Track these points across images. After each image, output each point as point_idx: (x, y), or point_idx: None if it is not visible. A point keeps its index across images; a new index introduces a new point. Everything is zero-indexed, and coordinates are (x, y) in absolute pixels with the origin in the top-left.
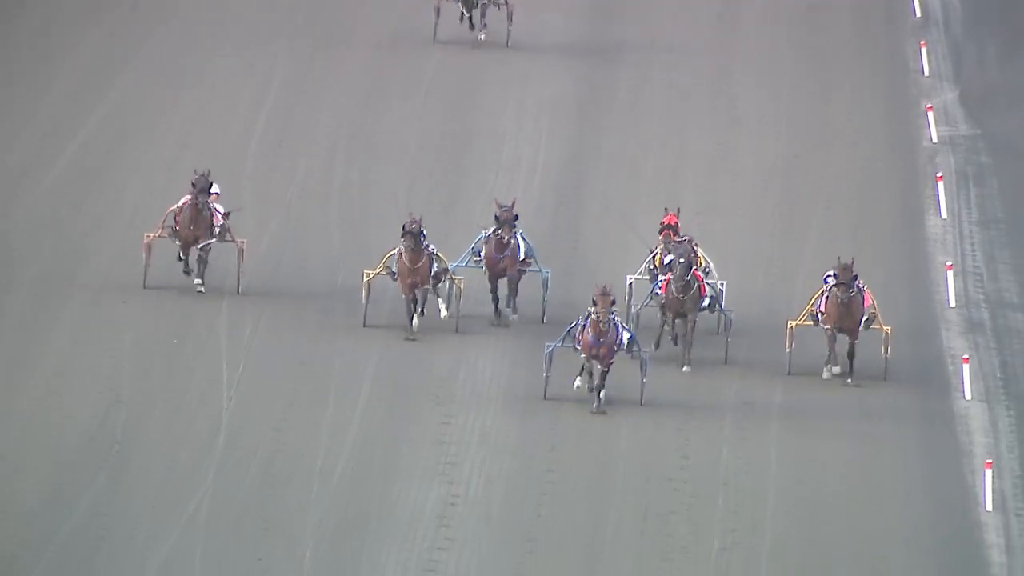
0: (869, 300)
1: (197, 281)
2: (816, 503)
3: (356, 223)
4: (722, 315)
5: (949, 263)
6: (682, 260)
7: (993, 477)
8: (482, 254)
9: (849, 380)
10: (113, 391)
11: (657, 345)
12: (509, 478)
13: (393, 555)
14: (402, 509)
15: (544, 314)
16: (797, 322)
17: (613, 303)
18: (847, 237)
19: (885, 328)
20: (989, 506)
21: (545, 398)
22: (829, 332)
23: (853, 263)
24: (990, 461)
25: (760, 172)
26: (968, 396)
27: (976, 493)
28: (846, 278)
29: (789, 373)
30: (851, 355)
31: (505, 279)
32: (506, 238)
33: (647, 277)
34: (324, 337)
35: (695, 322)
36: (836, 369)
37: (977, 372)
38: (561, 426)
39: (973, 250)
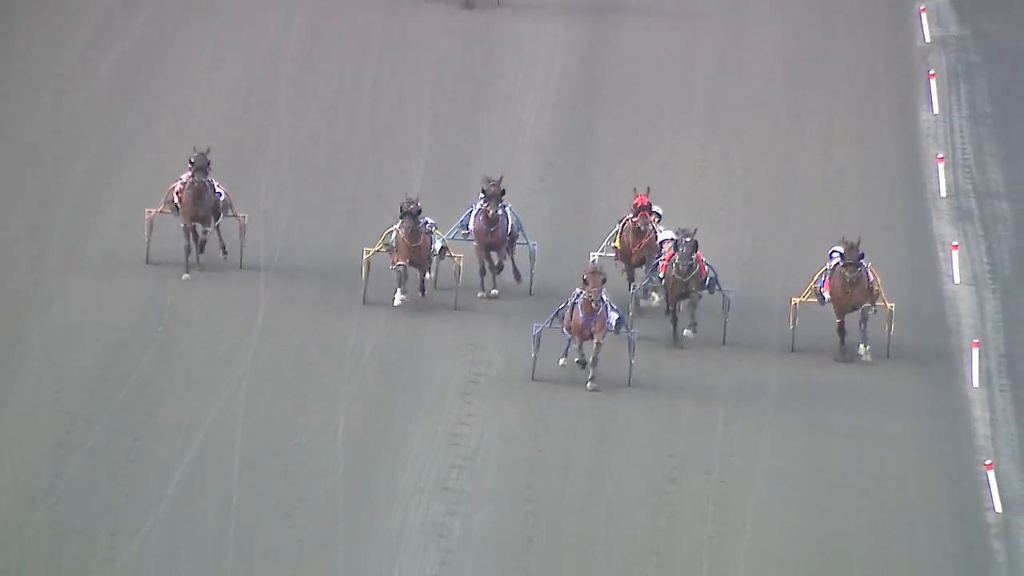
0: (873, 277)
1: (185, 276)
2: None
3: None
4: (721, 295)
5: (941, 155)
6: (688, 239)
7: (980, 355)
8: (471, 227)
9: (868, 357)
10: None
11: (667, 311)
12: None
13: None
14: (429, 384)
15: (531, 285)
16: (801, 299)
17: (604, 281)
18: (845, 131)
19: (889, 305)
20: (975, 382)
21: (533, 379)
22: (838, 321)
23: (859, 242)
24: (977, 340)
25: (764, 70)
26: (956, 280)
27: (963, 372)
28: (852, 257)
29: (793, 350)
30: (862, 328)
31: (494, 252)
32: (491, 212)
33: (611, 255)
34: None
35: (698, 299)
36: (841, 356)
37: (965, 257)
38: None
39: (963, 143)
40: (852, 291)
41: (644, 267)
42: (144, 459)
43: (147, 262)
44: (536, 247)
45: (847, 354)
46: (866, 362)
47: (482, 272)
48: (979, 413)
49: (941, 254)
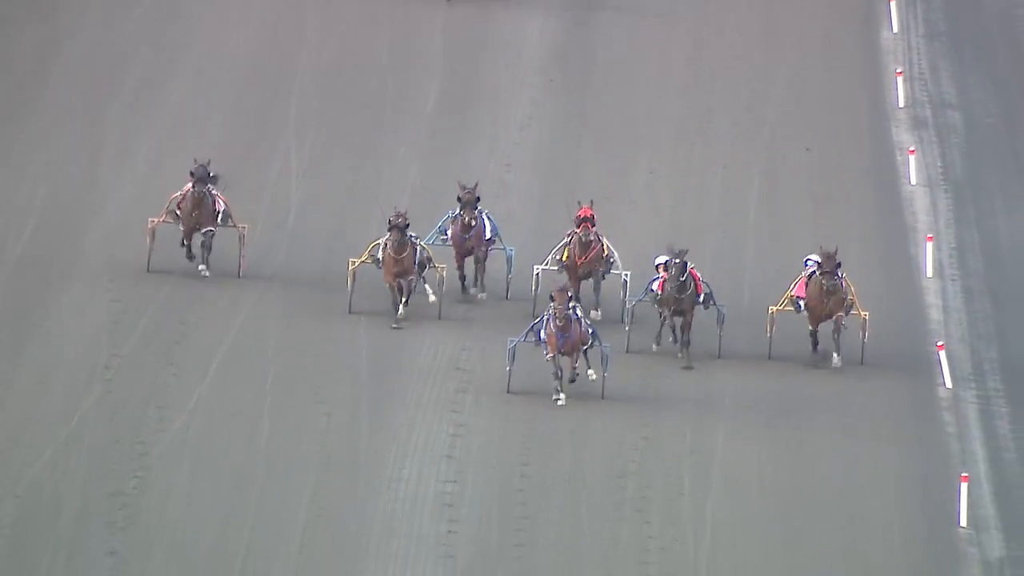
0: (849, 290)
1: (202, 267)
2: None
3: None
4: (716, 310)
5: (899, 70)
6: (677, 260)
7: (933, 249)
8: (448, 234)
9: (836, 361)
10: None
11: (657, 342)
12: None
13: None
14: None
15: (508, 290)
16: (777, 308)
17: (570, 298)
18: (814, 47)
19: (863, 313)
20: (929, 272)
21: (508, 391)
22: (811, 329)
23: (836, 252)
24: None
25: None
26: (913, 181)
27: (918, 263)
28: (830, 266)
29: (770, 358)
30: (836, 336)
31: (471, 258)
32: (467, 219)
33: (555, 268)
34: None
35: (691, 320)
36: (814, 358)
37: (921, 162)
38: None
39: (919, 59)
40: (828, 300)
41: (592, 279)
42: (190, 341)
43: (148, 270)
44: (513, 252)
45: (819, 360)
46: (837, 368)
47: (462, 279)
48: (932, 300)
49: (899, 159)
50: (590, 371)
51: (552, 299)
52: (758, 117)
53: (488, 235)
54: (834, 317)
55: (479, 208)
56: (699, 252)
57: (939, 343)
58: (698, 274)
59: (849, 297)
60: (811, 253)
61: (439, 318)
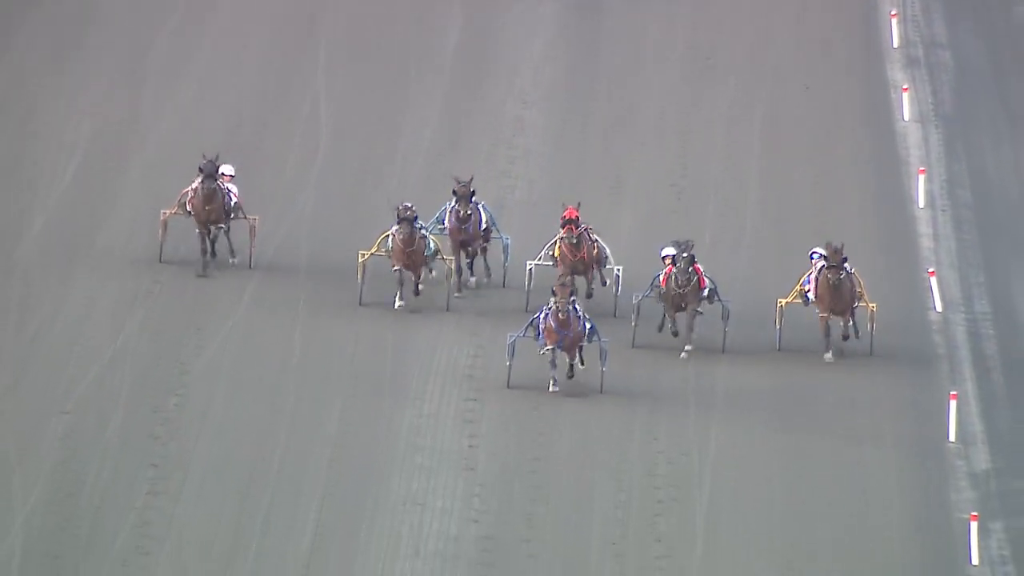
0: (857, 283)
1: (233, 261)
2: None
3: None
4: (721, 305)
5: (894, 12)
6: (684, 255)
7: (925, 181)
8: (445, 223)
9: (857, 335)
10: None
11: (660, 328)
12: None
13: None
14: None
15: (505, 278)
16: (786, 301)
17: (572, 293)
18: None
19: (871, 305)
20: (921, 203)
21: (508, 387)
22: (823, 319)
23: (843, 247)
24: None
25: None
26: (906, 118)
27: (911, 195)
28: (836, 261)
29: (779, 349)
30: (845, 337)
31: (468, 248)
32: (462, 212)
33: (549, 263)
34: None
35: (696, 311)
36: (829, 356)
37: (913, 98)
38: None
39: (913, 1)
40: (837, 293)
41: (586, 277)
42: (224, 273)
43: (160, 261)
44: (509, 241)
45: (832, 352)
46: (847, 356)
47: (458, 271)
48: (923, 229)
49: (893, 96)
50: (554, 384)
51: (554, 293)
52: (760, 58)
53: (484, 225)
54: (845, 315)
55: (475, 200)
56: (705, 180)
57: (930, 270)
58: (701, 268)
59: (857, 290)
60: (817, 246)
61: (447, 309)
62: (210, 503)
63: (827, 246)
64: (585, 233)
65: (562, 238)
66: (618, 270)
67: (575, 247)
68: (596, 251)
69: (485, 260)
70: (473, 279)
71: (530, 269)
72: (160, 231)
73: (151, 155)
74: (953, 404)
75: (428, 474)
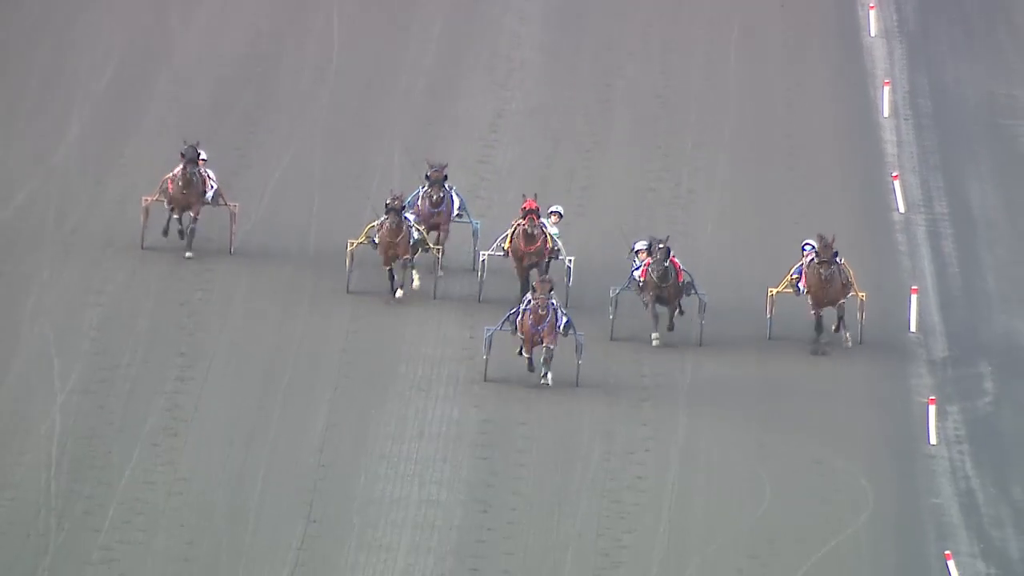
0: (847, 274)
1: (188, 254)
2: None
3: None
4: (698, 297)
5: None
6: (661, 246)
7: (890, 92)
8: (418, 205)
9: (849, 343)
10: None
11: (656, 332)
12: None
13: None
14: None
15: (475, 262)
16: (777, 290)
17: (551, 290)
18: None
19: (861, 295)
20: (886, 112)
21: (485, 380)
22: (814, 313)
23: (833, 241)
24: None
25: None
26: (872, 33)
27: (876, 104)
28: (827, 255)
29: (769, 338)
30: (840, 321)
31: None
32: (435, 196)
33: (500, 254)
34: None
35: (677, 306)
36: (818, 347)
37: (879, 15)
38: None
39: None
40: (828, 287)
41: (537, 268)
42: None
43: (142, 247)
44: (479, 225)
45: (821, 345)
46: (848, 348)
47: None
48: (888, 136)
49: (860, 13)
50: (546, 376)
51: (533, 289)
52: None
53: (456, 211)
54: (836, 305)
55: (447, 185)
56: (687, 89)
57: (894, 174)
58: (679, 262)
59: (848, 280)
60: (808, 238)
61: (435, 298)
62: (233, 389)
63: (818, 239)
64: (541, 224)
65: (522, 228)
66: (569, 261)
67: (529, 239)
68: (549, 244)
69: (444, 242)
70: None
71: (483, 260)
72: (142, 217)
73: (178, 67)
74: (914, 298)
75: (433, 363)
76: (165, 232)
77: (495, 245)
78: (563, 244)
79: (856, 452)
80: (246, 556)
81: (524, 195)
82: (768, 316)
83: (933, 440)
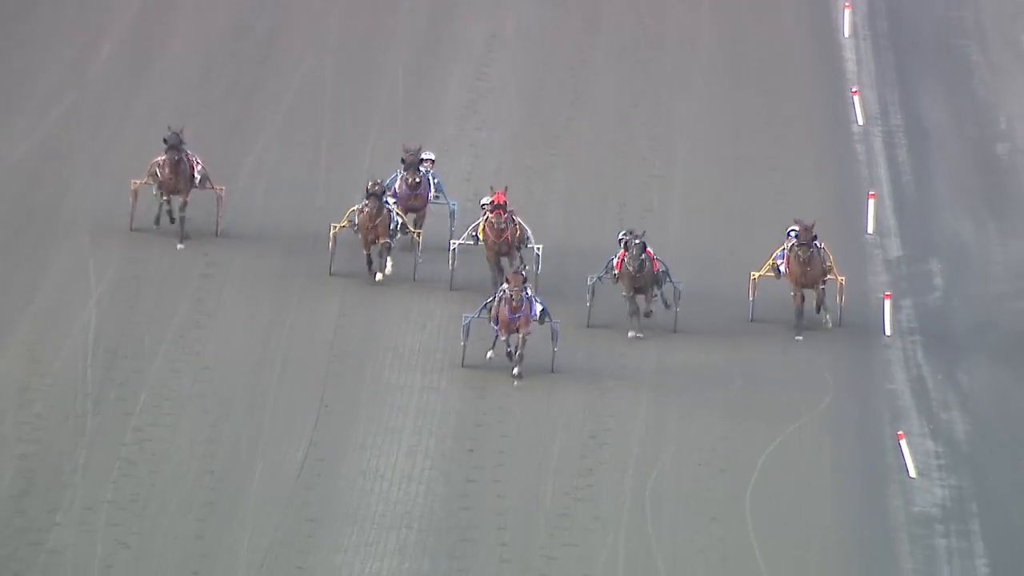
0: (827, 258)
1: (180, 246)
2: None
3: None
4: (672, 286)
5: None
6: (636, 241)
7: (850, 13)
8: (395, 189)
9: (829, 325)
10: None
11: (634, 327)
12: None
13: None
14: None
15: (450, 240)
16: (759, 274)
17: (525, 281)
18: None
19: (840, 279)
20: (846, 32)
21: (463, 366)
22: (795, 294)
23: (813, 225)
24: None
25: None
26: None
27: (838, 24)
28: (806, 239)
29: (751, 320)
30: (819, 303)
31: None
32: (411, 180)
33: (471, 243)
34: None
35: (653, 294)
36: (800, 337)
37: None
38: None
39: None
40: (807, 270)
41: (509, 257)
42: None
43: (131, 229)
44: (456, 206)
45: (801, 329)
46: (828, 329)
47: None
48: (848, 55)
49: None
50: (517, 373)
51: (507, 281)
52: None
53: (433, 192)
54: (815, 288)
55: (423, 168)
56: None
57: (854, 89)
58: (652, 252)
59: (827, 264)
60: (792, 225)
61: (414, 280)
62: (252, 287)
63: (799, 224)
64: (510, 216)
65: (489, 221)
66: (538, 249)
67: (499, 229)
68: (519, 232)
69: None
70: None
71: (453, 249)
72: (131, 200)
73: (188, 41)
74: (871, 202)
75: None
76: (157, 221)
77: (466, 234)
78: (534, 231)
79: (818, 344)
80: (265, 438)
81: (492, 188)
82: (751, 299)
83: (888, 332)
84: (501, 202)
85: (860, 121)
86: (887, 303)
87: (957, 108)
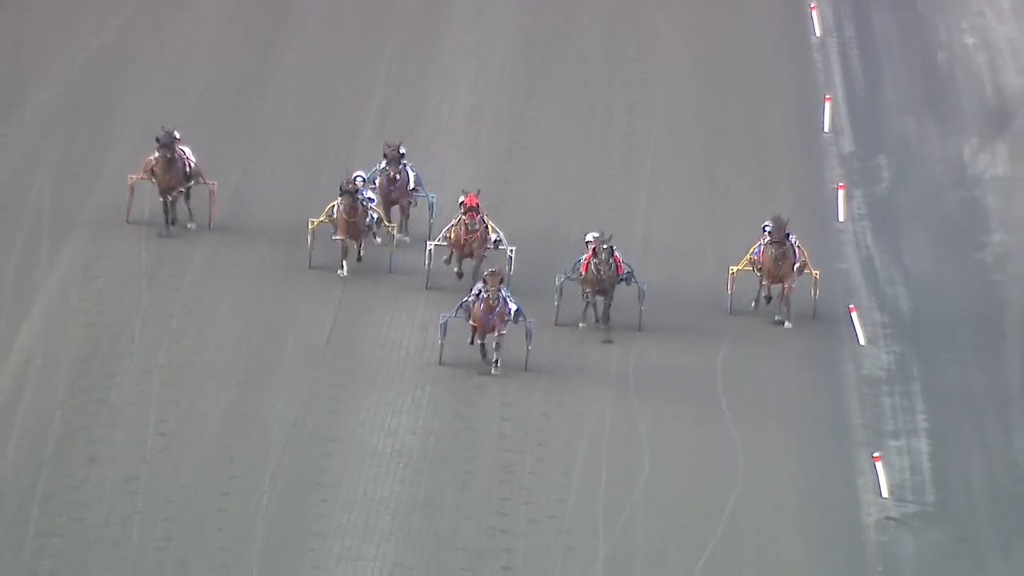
0: (800, 253)
1: (191, 226)
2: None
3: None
4: (637, 287)
5: None
6: (605, 246)
7: (818, 14)
8: (376, 183)
9: (788, 324)
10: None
11: (584, 320)
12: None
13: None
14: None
15: (430, 232)
16: (737, 268)
17: (501, 281)
18: None
19: (814, 272)
20: (818, 33)
21: (440, 363)
22: (764, 284)
23: (787, 222)
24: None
25: None
26: None
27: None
28: (779, 236)
29: (730, 313)
30: (787, 303)
31: (396, 206)
32: (392, 173)
33: (444, 243)
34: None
35: (612, 297)
36: (755, 307)
37: None
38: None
39: None
40: (780, 265)
41: (473, 258)
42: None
43: (127, 222)
44: (435, 199)
45: (772, 315)
46: (788, 328)
47: (387, 219)
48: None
49: None
50: (496, 364)
51: (484, 282)
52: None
53: (412, 185)
54: (785, 283)
55: (404, 162)
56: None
57: (812, 5)
58: (619, 256)
59: (801, 259)
60: (767, 220)
61: (390, 271)
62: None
63: (774, 220)
64: (481, 218)
65: (462, 222)
66: (511, 251)
67: (469, 231)
68: (488, 234)
69: (406, 223)
70: (403, 236)
71: (430, 250)
72: (128, 194)
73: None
74: (827, 105)
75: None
76: (160, 235)
77: (440, 236)
78: (506, 230)
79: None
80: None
81: (464, 191)
82: (728, 292)
83: (841, 218)
84: (473, 204)
85: (818, 33)
86: (840, 193)
87: (903, 21)
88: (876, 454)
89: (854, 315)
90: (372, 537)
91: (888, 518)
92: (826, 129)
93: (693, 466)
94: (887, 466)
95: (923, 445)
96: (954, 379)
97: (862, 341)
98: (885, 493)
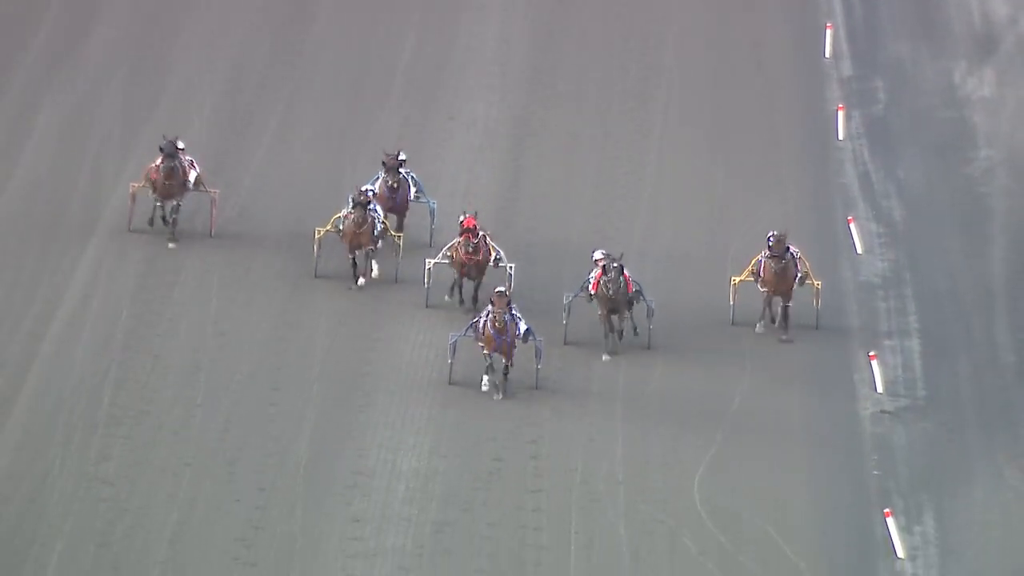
0: (802, 264)
1: (171, 245)
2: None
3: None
4: (646, 304)
5: None
6: (615, 265)
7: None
8: (377, 191)
9: (784, 337)
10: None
11: (607, 349)
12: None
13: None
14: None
15: (431, 237)
16: (739, 279)
17: (509, 303)
18: None
19: (816, 283)
20: (827, 55)
21: (450, 383)
22: (765, 296)
23: (786, 236)
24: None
25: None
26: None
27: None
28: (779, 251)
29: (733, 323)
30: (785, 316)
31: (396, 215)
32: (391, 182)
33: (446, 261)
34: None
35: (626, 316)
36: (760, 327)
37: None
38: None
39: None
40: (780, 278)
41: (476, 280)
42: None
43: (129, 230)
44: (435, 205)
45: (770, 325)
46: (787, 342)
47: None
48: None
49: None
50: (498, 391)
51: (492, 303)
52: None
53: (412, 195)
54: (787, 296)
55: (402, 170)
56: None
57: None
58: (629, 275)
59: (802, 271)
60: (772, 230)
61: (396, 281)
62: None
63: (774, 235)
64: (482, 239)
65: (460, 243)
66: (511, 268)
67: (471, 252)
68: (491, 255)
69: (400, 225)
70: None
71: (429, 268)
72: (129, 202)
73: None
74: (828, 32)
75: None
76: (151, 222)
77: (441, 254)
78: (507, 246)
79: (778, 150)
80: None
81: (464, 211)
82: (731, 303)
83: (841, 136)
84: (471, 226)
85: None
86: (840, 114)
87: None
88: (872, 353)
89: (852, 226)
90: (410, 426)
91: (883, 411)
92: (827, 55)
93: (698, 373)
94: (882, 364)
95: (915, 344)
96: (943, 284)
97: (859, 250)
98: (880, 388)
